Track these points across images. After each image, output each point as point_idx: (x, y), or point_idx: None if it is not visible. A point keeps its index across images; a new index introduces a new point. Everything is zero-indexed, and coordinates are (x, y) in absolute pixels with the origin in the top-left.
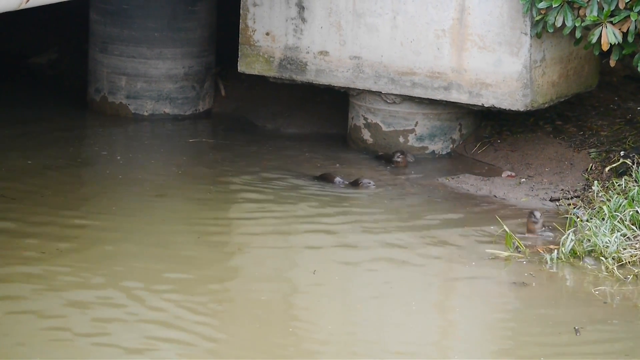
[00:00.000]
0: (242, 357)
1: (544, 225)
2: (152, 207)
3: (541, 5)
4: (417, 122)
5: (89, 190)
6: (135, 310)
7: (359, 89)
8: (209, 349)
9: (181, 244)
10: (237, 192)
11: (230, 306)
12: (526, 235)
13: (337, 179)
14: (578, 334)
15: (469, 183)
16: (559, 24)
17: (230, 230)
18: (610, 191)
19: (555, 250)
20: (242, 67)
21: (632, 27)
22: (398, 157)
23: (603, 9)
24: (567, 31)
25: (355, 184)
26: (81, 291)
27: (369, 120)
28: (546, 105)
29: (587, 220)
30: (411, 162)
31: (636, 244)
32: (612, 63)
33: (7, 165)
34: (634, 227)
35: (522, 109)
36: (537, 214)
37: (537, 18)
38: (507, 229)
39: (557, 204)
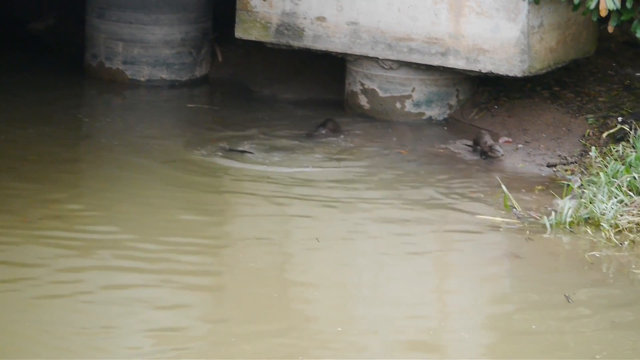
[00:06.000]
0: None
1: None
2: (152, 174)
3: None
4: (414, 88)
5: (87, 156)
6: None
7: (356, 55)
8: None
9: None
10: (238, 155)
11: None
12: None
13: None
14: (570, 300)
15: (466, 149)
16: None
17: (230, 198)
18: (607, 157)
19: (553, 215)
20: (239, 33)
21: None
22: (497, 151)
23: None
24: None
25: None
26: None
27: (365, 86)
28: (544, 71)
29: (581, 186)
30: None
31: (633, 210)
32: (610, 29)
33: (4, 132)
34: (630, 193)
35: (519, 75)
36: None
37: None
38: (505, 190)
39: (554, 169)
